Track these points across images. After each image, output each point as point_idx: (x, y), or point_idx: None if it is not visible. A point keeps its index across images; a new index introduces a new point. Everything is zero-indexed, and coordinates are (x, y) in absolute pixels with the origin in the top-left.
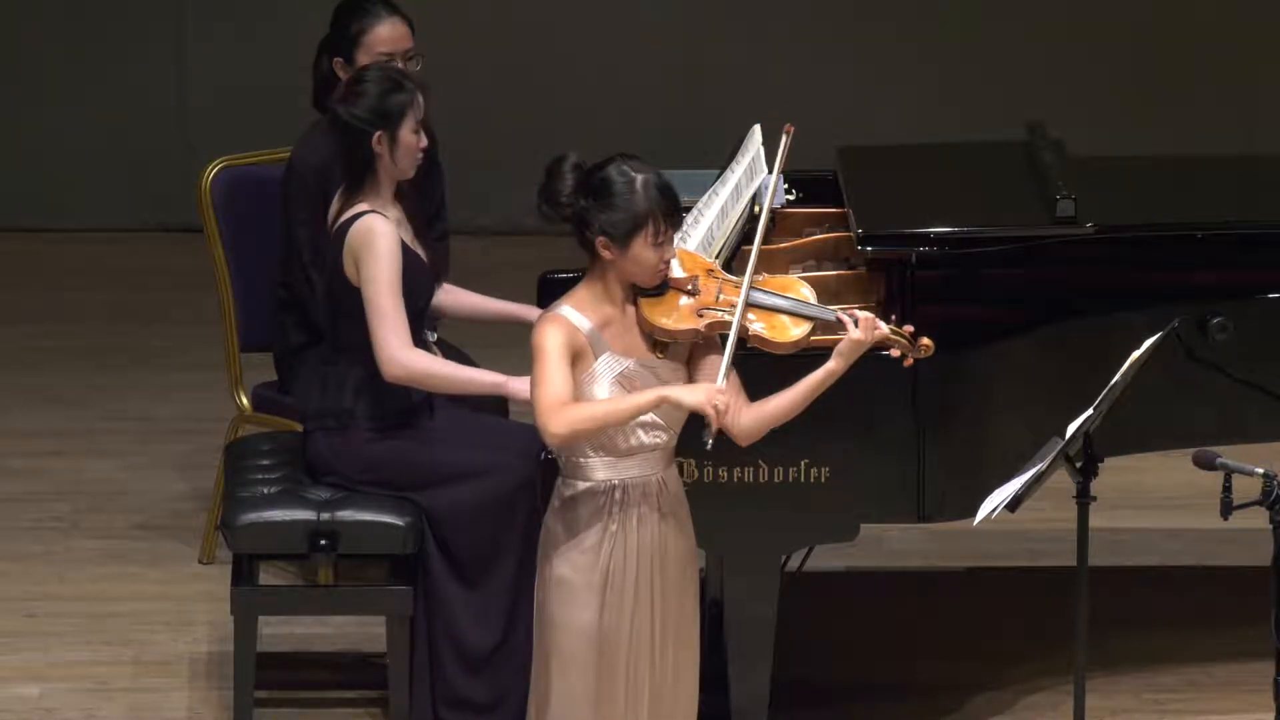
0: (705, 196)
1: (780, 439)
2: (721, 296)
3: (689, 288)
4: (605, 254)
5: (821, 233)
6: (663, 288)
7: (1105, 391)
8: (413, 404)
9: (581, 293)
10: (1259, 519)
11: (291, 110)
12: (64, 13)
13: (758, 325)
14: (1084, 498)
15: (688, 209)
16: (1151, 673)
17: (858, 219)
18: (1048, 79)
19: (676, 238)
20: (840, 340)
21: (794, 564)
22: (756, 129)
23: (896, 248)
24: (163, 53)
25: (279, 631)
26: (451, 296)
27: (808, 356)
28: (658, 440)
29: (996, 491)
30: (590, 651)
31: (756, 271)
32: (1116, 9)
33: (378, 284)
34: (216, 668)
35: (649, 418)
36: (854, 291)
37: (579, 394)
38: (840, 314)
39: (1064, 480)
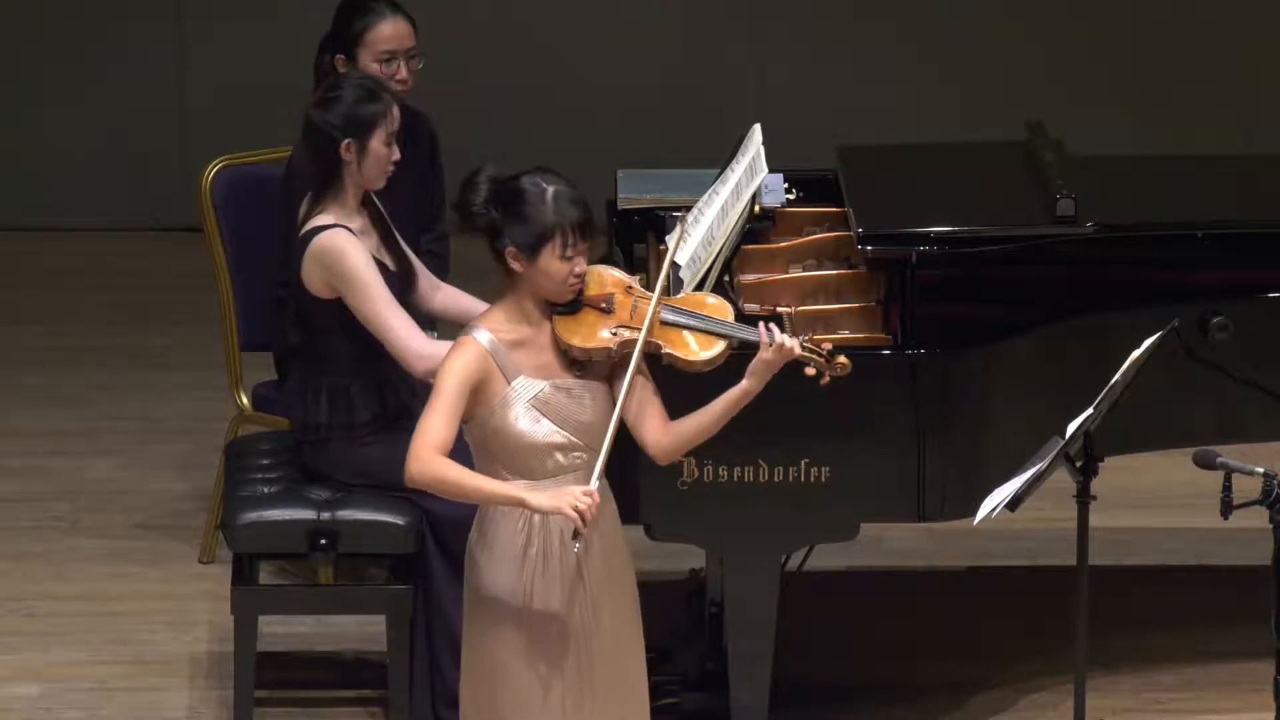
0: (705, 196)
1: (780, 439)
2: (635, 315)
3: (603, 305)
4: (515, 265)
5: (821, 232)
6: (577, 305)
7: (1105, 391)
8: (390, 407)
9: (497, 313)
10: (1259, 519)
11: (291, 110)
12: (64, 13)
13: (669, 346)
14: (1084, 498)
15: (688, 209)
16: (1151, 672)
17: (858, 219)
18: (1048, 79)
19: (677, 236)
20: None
21: (794, 564)
22: (756, 129)
23: (896, 247)
24: (163, 53)
25: (279, 631)
26: (450, 298)
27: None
28: (578, 460)
29: (996, 491)
30: (521, 666)
31: (670, 292)
32: (1116, 9)
33: (368, 298)
34: (216, 668)
35: (565, 439)
36: (854, 291)
37: (492, 418)
38: (755, 333)
39: (1064, 480)
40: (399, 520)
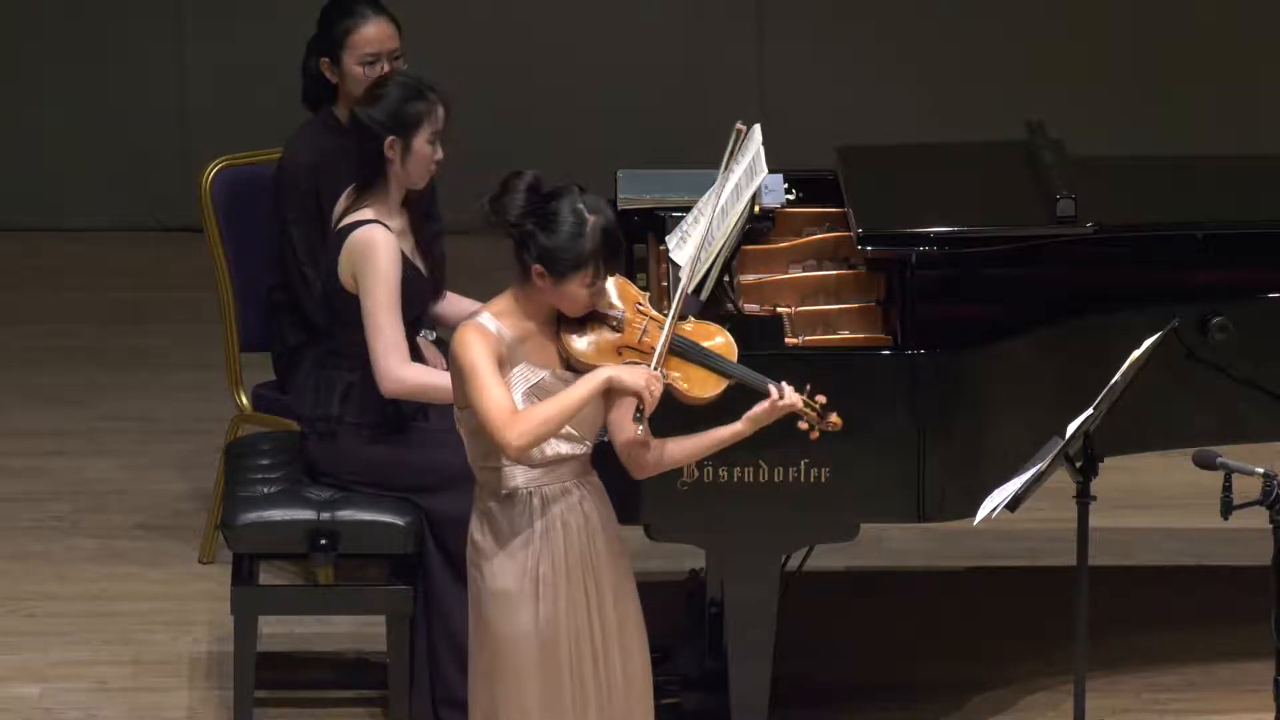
0: (705, 196)
1: (780, 439)
2: (644, 339)
3: (614, 322)
4: (539, 282)
5: (821, 233)
6: (588, 315)
7: (1105, 391)
8: (402, 409)
9: (504, 302)
10: (1259, 519)
11: (291, 110)
12: (64, 13)
13: (674, 375)
14: (1084, 498)
15: (687, 209)
16: (1151, 673)
17: (858, 219)
18: (1048, 79)
19: (676, 237)
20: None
21: (794, 564)
22: (757, 129)
23: (896, 248)
24: (163, 53)
25: (279, 631)
26: (453, 306)
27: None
28: (575, 450)
29: (996, 491)
30: (532, 658)
31: (691, 315)
32: (1116, 9)
33: (375, 300)
34: (216, 668)
35: (565, 428)
36: (854, 291)
37: None
38: (769, 384)
39: (1064, 480)
40: (399, 520)
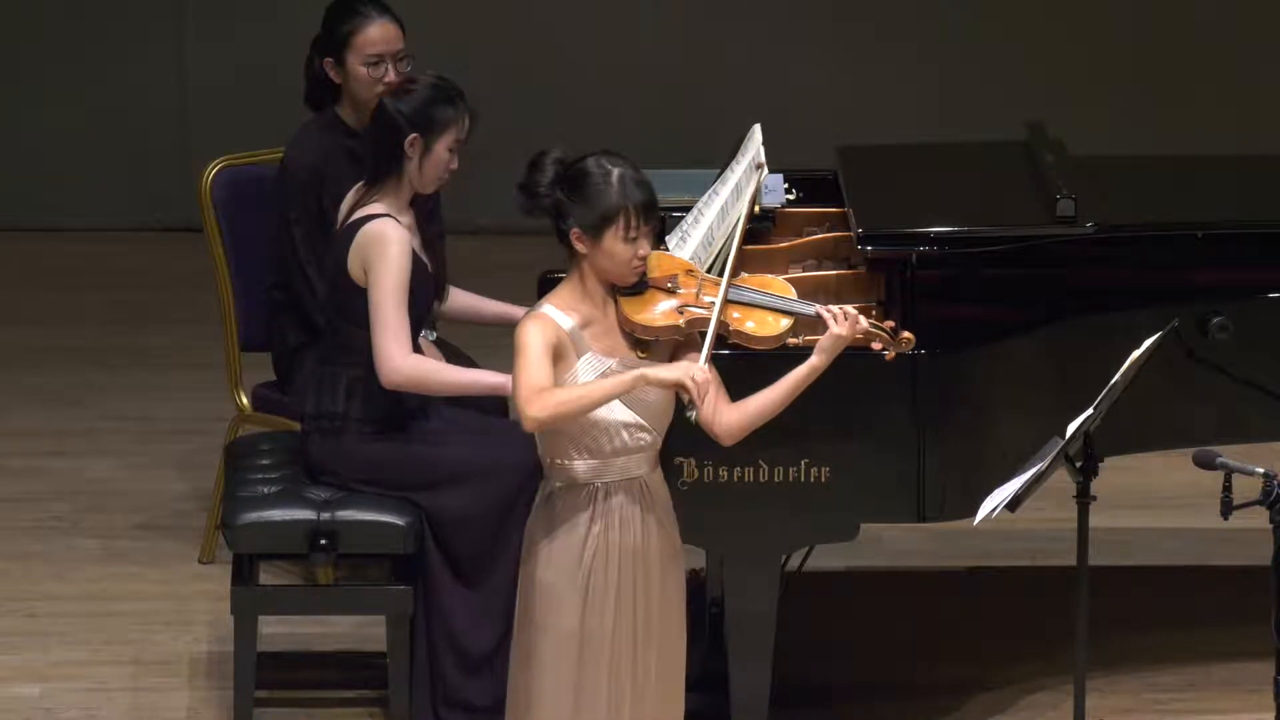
0: (705, 196)
1: (780, 439)
2: (701, 294)
3: (668, 286)
4: (579, 246)
5: (821, 233)
6: (642, 286)
7: (1105, 391)
8: (406, 406)
9: (562, 292)
10: (1259, 519)
11: (291, 110)
12: (64, 13)
13: (738, 324)
14: (1084, 498)
15: (687, 209)
16: (1151, 673)
17: (858, 219)
18: (1048, 79)
19: (677, 236)
20: (822, 336)
21: (794, 564)
22: (756, 129)
23: (896, 248)
24: (163, 53)
25: (279, 631)
26: (449, 297)
27: (788, 355)
28: (642, 441)
29: (996, 491)
30: (573, 653)
31: (739, 271)
32: (1116, 9)
33: (384, 290)
34: (216, 668)
35: (632, 418)
36: (854, 291)
37: None
38: (821, 309)
39: (1064, 480)
40: (399, 520)
